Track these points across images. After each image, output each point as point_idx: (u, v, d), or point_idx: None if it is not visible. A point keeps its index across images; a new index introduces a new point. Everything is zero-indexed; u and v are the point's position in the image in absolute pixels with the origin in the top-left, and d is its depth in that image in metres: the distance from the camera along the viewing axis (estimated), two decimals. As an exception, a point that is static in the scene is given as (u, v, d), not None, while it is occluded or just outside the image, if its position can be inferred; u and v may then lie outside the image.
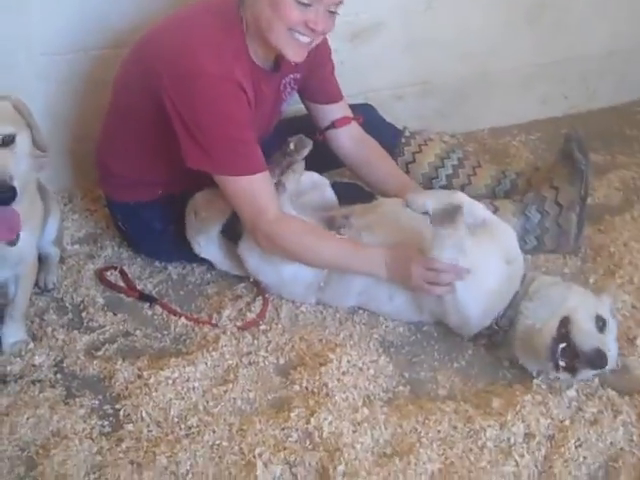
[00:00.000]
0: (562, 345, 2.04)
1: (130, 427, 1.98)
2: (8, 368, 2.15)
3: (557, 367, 2.03)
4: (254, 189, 2.22)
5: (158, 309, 2.41)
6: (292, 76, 2.46)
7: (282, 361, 2.21)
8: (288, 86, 2.48)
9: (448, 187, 2.76)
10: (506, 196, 2.75)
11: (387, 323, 2.36)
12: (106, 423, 2.00)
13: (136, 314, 2.40)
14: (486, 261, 2.19)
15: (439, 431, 1.96)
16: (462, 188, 2.75)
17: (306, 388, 2.10)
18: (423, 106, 3.34)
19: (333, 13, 2.19)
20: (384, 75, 3.21)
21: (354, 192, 2.65)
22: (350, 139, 2.63)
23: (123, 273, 2.55)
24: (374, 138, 2.69)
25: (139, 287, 2.50)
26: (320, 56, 2.47)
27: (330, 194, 2.55)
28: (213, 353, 2.20)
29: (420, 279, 2.17)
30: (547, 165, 2.81)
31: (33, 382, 2.11)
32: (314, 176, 2.54)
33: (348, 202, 2.52)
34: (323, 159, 2.60)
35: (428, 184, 2.78)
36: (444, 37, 3.21)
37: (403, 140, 2.80)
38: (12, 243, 1.97)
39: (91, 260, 2.61)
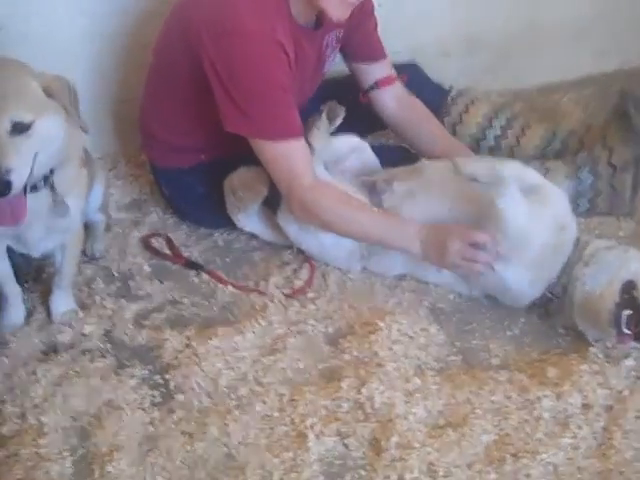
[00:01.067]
0: (627, 312, 1.97)
1: (181, 397, 1.98)
2: (59, 337, 2.16)
3: (621, 334, 1.97)
4: (290, 154, 2.17)
5: (205, 277, 2.39)
6: (334, 34, 2.38)
7: (331, 330, 2.18)
8: (330, 45, 2.41)
9: (496, 148, 2.70)
10: (557, 157, 2.67)
11: (437, 290, 2.31)
12: (157, 393, 2.00)
13: (183, 282, 2.38)
14: (535, 230, 2.11)
15: (493, 401, 1.93)
16: (511, 149, 2.69)
17: (356, 357, 2.08)
18: (470, 63, 3.25)
19: None
20: (430, 31, 3.12)
21: (399, 155, 2.58)
22: (394, 99, 2.56)
23: (169, 240, 2.53)
24: (419, 98, 2.63)
25: (185, 254, 2.48)
26: (363, 12, 2.39)
27: (371, 157, 2.47)
28: (261, 322, 2.18)
29: (457, 255, 2.10)
30: (600, 124, 2.71)
31: (83, 352, 2.11)
32: (352, 139, 2.44)
33: (393, 166, 2.45)
34: (366, 121, 2.55)
35: (475, 145, 2.71)
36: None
37: (449, 100, 2.74)
38: (64, 213, 1.96)
39: (137, 227, 2.60)
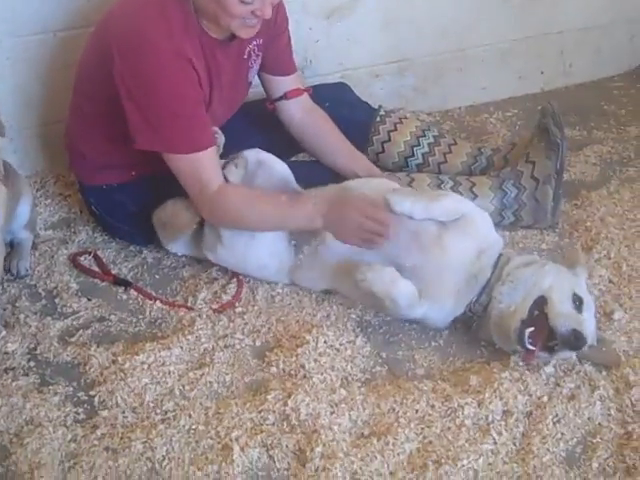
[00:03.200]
0: (530, 329, 2.02)
1: (105, 413, 1.96)
2: (-20, 357, 2.12)
3: (526, 350, 2.02)
4: (198, 166, 2.23)
5: (133, 293, 2.38)
6: (255, 42, 2.43)
7: (258, 343, 2.19)
8: (253, 53, 2.45)
9: (424, 165, 2.75)
10: (483, 173, 2.73)
11: (364, 303, 2.34)
12: (81, 410, 1.98)
13: (111, 299, 2.37)
14: (456, 264, 2.17)
15: (417, 410, 1.95)
16: (438, 166, 2.74)
17: (283, 370, 2.09)
18: (400, 84, 3.31)
19: None
20: (360, 53, 3.19)
21: (317, 172, 2.62)
22: (300, 110, 2.62)
23: (97, 257, 2.52)
24: (348, 117, 2.70)
25: (114, 271, 2.47)
26: (277, 26, 2.46)
27: (281, 170, 2.43)
28: (189, 337, 2.17)
29: (356, 227, 2.18)
30: (523, 140, 2.79)
31: (6, 370, 2.08)
32: (259, 154, 2.41)
33: (307, 181, 2.47)
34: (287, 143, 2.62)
35: (404, 163, 2.76)
36: (420, 14, 3.19)
37: (378, 119, 2.78)
38: None
39: (65, 245, 2.57)
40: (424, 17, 3.20)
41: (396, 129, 2.78)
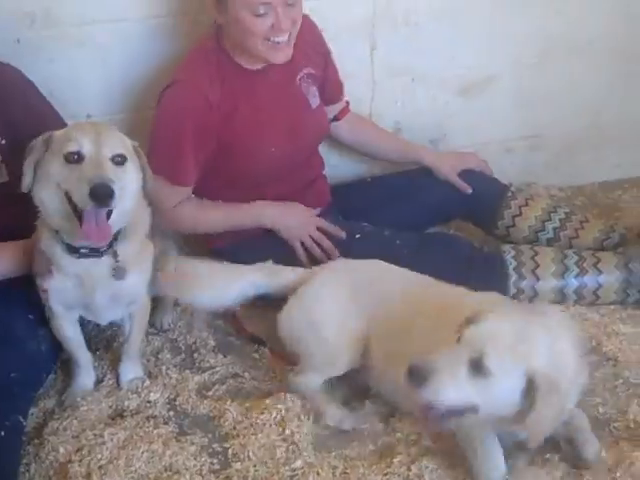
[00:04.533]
0: None
1: (238, 466, 2.05)
2: (126, 403, 2.26)
3: None
4: (170, 192, 2.49)
5: (265, 352, 2.49)
6: (305, 71, 2.61)
7: (383, 409, 2.23)
8: (304, 82, 2.62)
9: (554, 240, 2.76)
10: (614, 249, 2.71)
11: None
12: (215, 461, 2.07)
13: (244, 357, 2.48)
14: None
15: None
16: (569, 241, 2.74)
17: (407, 436, 2.12)
18: (532, 159, 3.34)
19: (292, 4, 2.33)
20: (493, 128, 3.24)
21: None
22: (349, 124, 2.88)
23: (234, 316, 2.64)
24: (479, 191, 2.79)
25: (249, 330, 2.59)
26: (322, 56, 2.68)
27: None
28: (318, 397, 2.24)
29: (302, 231, 2.60)
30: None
31: (148, 418, 2.21)
32: None
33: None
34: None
35: (534, 237, 2.78)
36: (555, 90, 3.22)
37: (509, 194, 2.83)
38: (121, 275, 2.11)
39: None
40: (559, 94, 3.22)
41: (527, 204, 2.82)
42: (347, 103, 2.86)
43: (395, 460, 2.01)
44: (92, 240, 1.99)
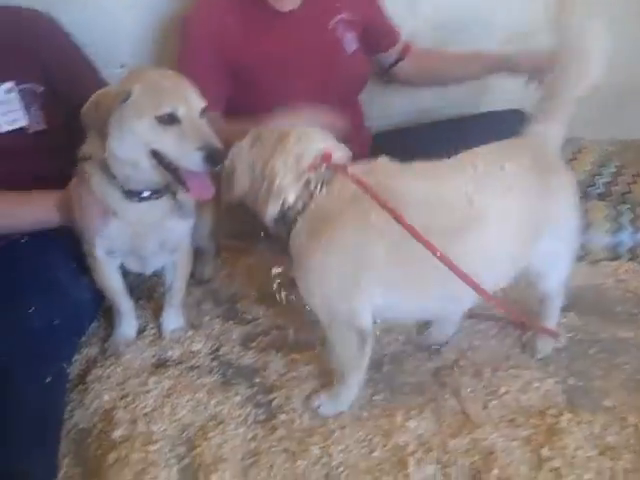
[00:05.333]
0: None
1: (283, 417, 2.02)
2: (169, 353, 2.25)
3: None
4: None
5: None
6: (341, 16, 2.51)
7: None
8: (339, 27, 2.52)
9: (605, 195, 2.68)
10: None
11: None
12: (260, 411, 2.05)
13: (288, 308, 2.44)
14: None
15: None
16: (621, 196, 2.66)
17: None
18: (579, 113, 3.22)
19: None
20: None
21: None
22: (416, 60, 2.69)
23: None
24: None
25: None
26: (365, 2, 2.58)
27: None
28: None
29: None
30: None
31: (192, 368, 2.19)
32: None
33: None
34: None
35: (583, 192, 2.70)
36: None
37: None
38: (189, 214, 2.11)
39: (244, 254, 2.68)
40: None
41: (576, 158, 2.74)
42: (407, 42, 2.71)
43: (446, 413, 1.98)
44: (203, 197, 1.99)
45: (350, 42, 2.56)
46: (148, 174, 1.97)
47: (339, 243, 1.82)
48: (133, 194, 2.03)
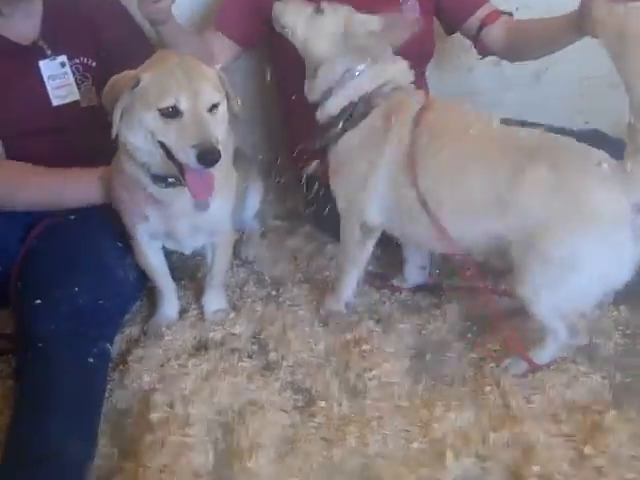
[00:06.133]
0: None
1: (322, 404, 2.00)
2: (210, 335, 2.24)
3: None
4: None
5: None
6: None
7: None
8: None
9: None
10: None
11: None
12: (299, 397, 2.03)
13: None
14: None
15: None
16: None
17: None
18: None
19: None
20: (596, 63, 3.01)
21: None
22: (502, 27, 2.57)
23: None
24: None
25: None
26: None
27: None
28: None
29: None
30: None
31: (232, 351, 2.18)
32: None
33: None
34: None
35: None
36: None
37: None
38: (205, 207, 2.03)
39: (290, 236, 2.67)
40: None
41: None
42: (493, 10, 2.60)
43: (486, 407, 1.95)
44: (199, 196, 1.95)
45: (412, 10, 2.53)
46: (163, 162, 1.95)
47: (364, 146, 2.12)
48: (159, 179, 2.02)
